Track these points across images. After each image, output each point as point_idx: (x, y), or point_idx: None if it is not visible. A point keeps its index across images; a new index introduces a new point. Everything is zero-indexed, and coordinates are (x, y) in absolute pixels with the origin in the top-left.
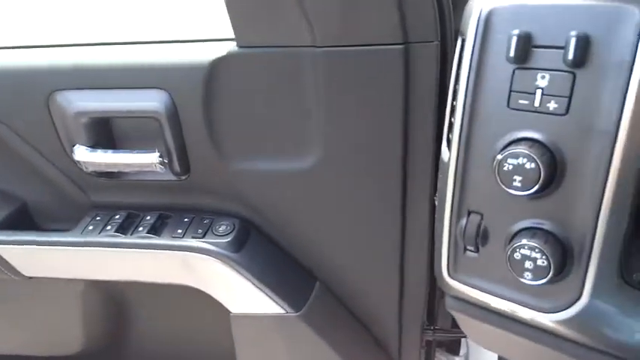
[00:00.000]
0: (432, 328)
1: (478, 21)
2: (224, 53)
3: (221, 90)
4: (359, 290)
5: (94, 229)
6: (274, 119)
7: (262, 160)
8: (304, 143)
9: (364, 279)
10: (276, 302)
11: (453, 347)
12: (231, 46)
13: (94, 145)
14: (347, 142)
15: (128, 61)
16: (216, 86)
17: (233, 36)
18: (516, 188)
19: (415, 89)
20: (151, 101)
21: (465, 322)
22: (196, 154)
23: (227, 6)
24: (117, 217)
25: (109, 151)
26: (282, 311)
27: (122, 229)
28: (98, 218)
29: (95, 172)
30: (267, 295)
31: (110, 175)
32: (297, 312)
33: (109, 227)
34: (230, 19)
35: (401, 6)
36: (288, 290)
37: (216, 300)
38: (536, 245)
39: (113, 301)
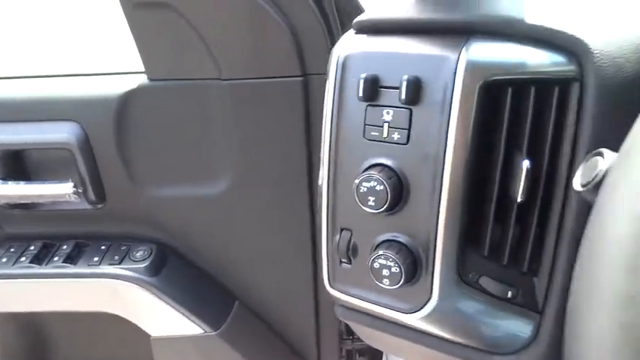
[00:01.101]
0: (350, 337)
1: (337, 65)
2: (135, 86)
3: (133, 121)
4: (277, 306)
5: (7, 260)
6: (185, 148)
7: (176, 186)
8: (215, 169)
9: (281, 294)
10: (195, 323)
11: (375, 354)
12: (142, 79)
13: (6, 177)
14: (255, 168)
15: (40, 94)
16: (127, 117)
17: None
18: (371, 207)
19: (315, 118)
20: (62, 133)
21: (356, 328)
22: (111, 183)
23: (135, 40)
24: (32, 247)
25: (22, 182)
26: (201, 331)
27: (37, 260)
28: (12, 250)
29: (8, 204)
30: (185, 316)
31: (24, 207)
32: (215, 331)
33: (23, 258)
34: (139, 53)
35: (298, 40)
36: (207, 310)
37: (136, 325)
38: (390, 255)
39: (31, 331)
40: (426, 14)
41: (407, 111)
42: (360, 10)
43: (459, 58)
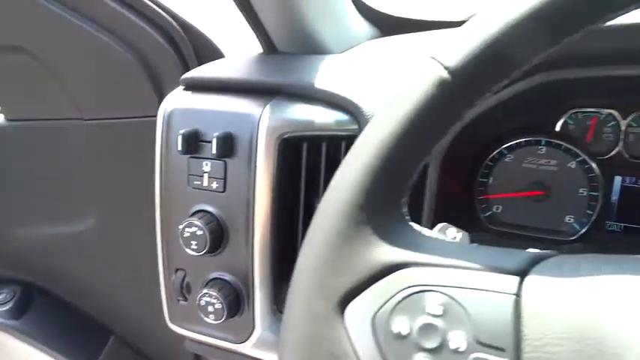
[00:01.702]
0: None
1: (163, 119)
2: None
3: None
4: (149, 336)
5: None
6: (48, 187)
7: (40, 226)
8: (79, 207)
9: (153, 324)
10: None
11: None
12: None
13: None
14: (118, 205)
15: None
16: None
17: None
18: (194, 250)
19: None
20: None
21: (204, 358)
22: None
23: None
24: None
25: None
26: None
27: None
28: None
29: None
30: (54, 357)
31: None
32: None
33: None
34: None
35: (157, 82)
36: (79, 348)
37: None
38: (213, 293)
39: None
40: (241, 75)
41: (222, 163)
42: (218, 54)
43: (261, 116)
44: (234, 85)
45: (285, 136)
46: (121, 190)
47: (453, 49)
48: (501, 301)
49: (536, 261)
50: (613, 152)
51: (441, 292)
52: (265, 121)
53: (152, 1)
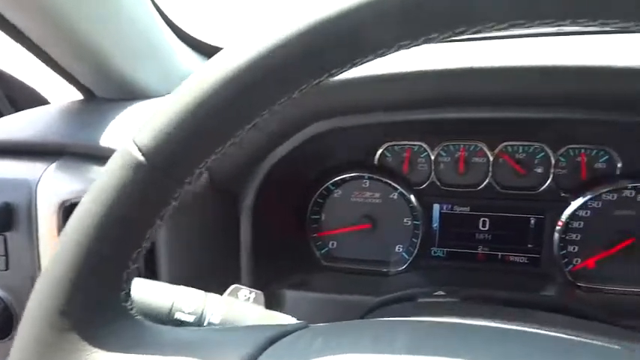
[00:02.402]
0: None
1: None
2: None
3: None
4: None
5: None
6: None
7: None
8: None
9: None
10: None
11: None
12: None
13: None
14: None
15: None
16: None
17: None
18: None
19: None
20: None
21: None
22: None
23: None
24: None
25: None
26: None
27: None
28: None
29: None
30: None
31: None
32: None
33: None
34: None
35: None
36: None
37: None
38: None
39: None
40: (22, 135)
41: (1, 237)
42: (39, 101)
43: (39, 181)
44: (12, 147)
45: (69, 203)
46: None
47: (149, 129)
48: None
49: (272, 341)
50: (428, 182)
51: None
52: (44, 187)
53: None
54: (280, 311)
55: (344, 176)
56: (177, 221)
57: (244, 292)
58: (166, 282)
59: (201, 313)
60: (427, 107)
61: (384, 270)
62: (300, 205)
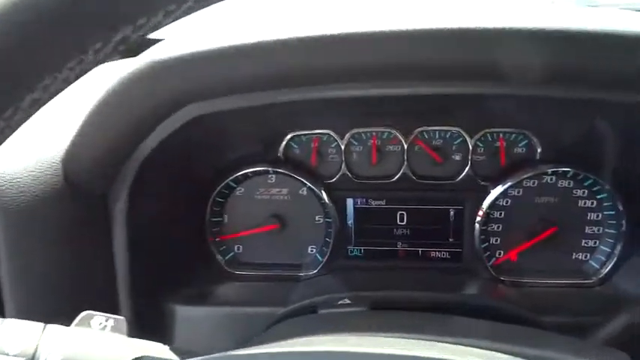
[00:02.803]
0: None
1: None
2: None
3: None
4: None
5: None
6: None
7: None
8: None
9: None
10: None
11: None
12: None
13: None
14: None
15: None
16: None
17: None
18: None
19: None
20: None
21: None
22: None
23: None
24: None
25: None
26: None
27: None
28: None
29: None
30: None
31: None
32: None
33: None
34: None
35: None
36: None
37: None
38: None
39: None
40: None
41: None
42: None
43: None
44: None
45: None
46: None
47: None
48: None
49: None
50: (339, 174)
51: None
52: None
53: None
54: (171, 332)
55: (246, 171)
56: (23, 233)
57: (98, 319)
58: (13, 314)
59: (34, 354)
60: (299, 85)
61: (296, 274)
62: (197, 207)
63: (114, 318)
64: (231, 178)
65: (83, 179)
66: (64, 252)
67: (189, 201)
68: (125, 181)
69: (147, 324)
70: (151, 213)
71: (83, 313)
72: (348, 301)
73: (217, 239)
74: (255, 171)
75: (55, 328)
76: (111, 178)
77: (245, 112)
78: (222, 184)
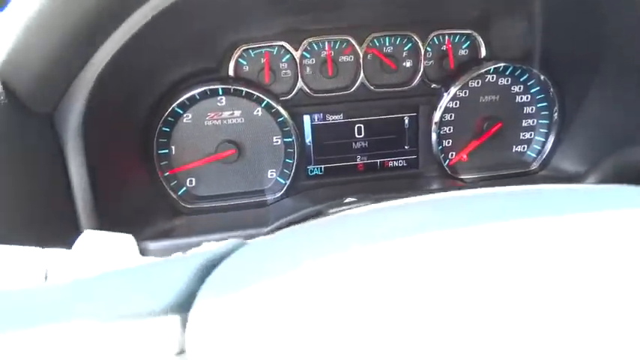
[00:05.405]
0: None
1: None
2: None
3: None
4: None
5: None
6: None
7: None
8: None
9: None
10: None
11: None
12: None
13: None
14: None
15: None
16: None
17: None
18: None
19: None
20: None
21: None
22: None
23: None
24: None
25: None
26: None
27: None
28: None
29: None
30: None
31: None
32: None
33: None
34: None
35: None
36: None
37: None
38: None
39: None
40: None
41: None
42: None
43: None
44: None
45: None
46: None
47: None
48: None
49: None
50: (295, 90)
51: None
52: None
53: None
54: None
55: (192, 93)
56: None
57: (103, 238)
58: None
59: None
60: None
61: (261, 200)
62: (144, 137)
63: (121, 235)
64: (176, 103)
65: (25, 94)
66: (16, 173)
67: (136, 133)
68: (77, 101)
69: None
70: (103, 143)
71: (85, 233)
72: (354, 199)
73: (167, 173)
74: (203, 92)
75: (55, 252)
76: (59, 96)
77: (182, 15)
78: (168, 111)
